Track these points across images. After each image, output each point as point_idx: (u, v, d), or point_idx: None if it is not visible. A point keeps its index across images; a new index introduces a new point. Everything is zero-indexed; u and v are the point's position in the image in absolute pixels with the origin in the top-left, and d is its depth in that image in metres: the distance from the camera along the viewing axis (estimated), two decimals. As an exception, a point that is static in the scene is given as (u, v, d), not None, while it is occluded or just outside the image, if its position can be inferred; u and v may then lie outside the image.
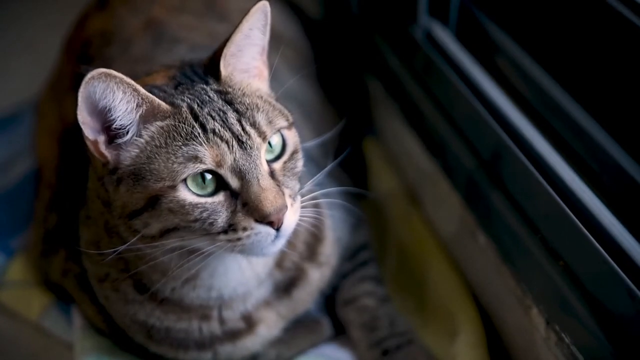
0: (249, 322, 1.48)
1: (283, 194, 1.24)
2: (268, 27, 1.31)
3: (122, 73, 1.21)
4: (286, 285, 1.51)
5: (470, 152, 1.65)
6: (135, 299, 1.42)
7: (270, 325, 1.51)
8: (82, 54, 1.77)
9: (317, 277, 1.55)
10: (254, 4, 1.28)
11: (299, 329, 1.60)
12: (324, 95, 1.97)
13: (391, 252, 1.84)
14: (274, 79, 1.40)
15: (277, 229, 1.23)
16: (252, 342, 1.50)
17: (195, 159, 1.20)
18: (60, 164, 1.72)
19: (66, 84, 1.77)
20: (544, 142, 1.51)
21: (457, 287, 1.69)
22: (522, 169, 1.48)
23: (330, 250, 1.57)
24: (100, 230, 1.39)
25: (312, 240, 1.53)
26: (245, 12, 1.28)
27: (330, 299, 1.65)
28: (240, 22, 1.28)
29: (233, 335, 1.47)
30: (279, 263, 1.49)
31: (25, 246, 1.84)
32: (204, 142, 1.20)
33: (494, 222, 1.56)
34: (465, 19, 1.81)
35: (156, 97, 1.24)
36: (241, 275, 1.41)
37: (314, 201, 1.38)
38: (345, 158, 1.55)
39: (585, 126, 1.45)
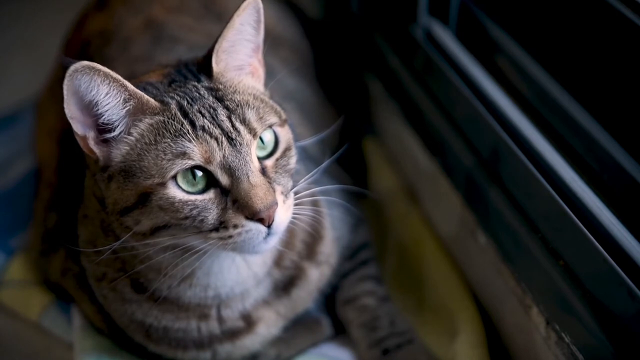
0: (248, 322, 1.48)
1: (274, 191, 1.24)
2: (262, 25, 1.31)
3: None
4: (285, 284, 1.50)
5: (470, 151, 1.65)
6: (132, 299, 1.43)
7: (269, 325, 1.51)
8: (82, 53, 1.77)
9: (316, 276, 1.54)
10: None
11: (298, 329, 1.60)
12: (324, 95, 1.97)
13: (391, 251, 1.84)
14: (273, 79, 1.40)
15: (269, 226, 1.23)
16: (251, 342, 1.50)
17: (184, 155, 1.20)
18: (59, 164, 1.72)
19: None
20: (544, 142, 1.51)
21: (457, 287, 1.69)
22: (522, 168, 1.48)
23: (329, 250, 1.57)
24: (97, 229, 1.39)
25: (311, 239, 1.53)
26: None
27: (330, 298, 1.65)
28: (231, 17, 1.28)
29: (232, 334, 1.47)
30: (278, 262, 1.48)
31: (25, 246, 1.84)
32: (193, 139, 1.21)
33: (494, 221, 1.56)
34: (465, 19, 1.81)
35: (148, 93, 1.24)
36: (237, 274, 1.41)
37: (312, 198, 1.38)
38: (345, 157, 1.55)
39: (585, 126, 1.45)
